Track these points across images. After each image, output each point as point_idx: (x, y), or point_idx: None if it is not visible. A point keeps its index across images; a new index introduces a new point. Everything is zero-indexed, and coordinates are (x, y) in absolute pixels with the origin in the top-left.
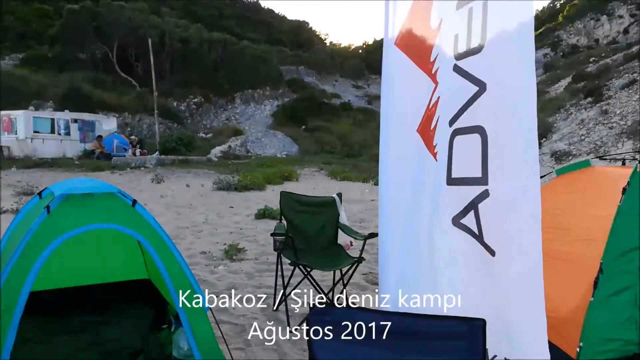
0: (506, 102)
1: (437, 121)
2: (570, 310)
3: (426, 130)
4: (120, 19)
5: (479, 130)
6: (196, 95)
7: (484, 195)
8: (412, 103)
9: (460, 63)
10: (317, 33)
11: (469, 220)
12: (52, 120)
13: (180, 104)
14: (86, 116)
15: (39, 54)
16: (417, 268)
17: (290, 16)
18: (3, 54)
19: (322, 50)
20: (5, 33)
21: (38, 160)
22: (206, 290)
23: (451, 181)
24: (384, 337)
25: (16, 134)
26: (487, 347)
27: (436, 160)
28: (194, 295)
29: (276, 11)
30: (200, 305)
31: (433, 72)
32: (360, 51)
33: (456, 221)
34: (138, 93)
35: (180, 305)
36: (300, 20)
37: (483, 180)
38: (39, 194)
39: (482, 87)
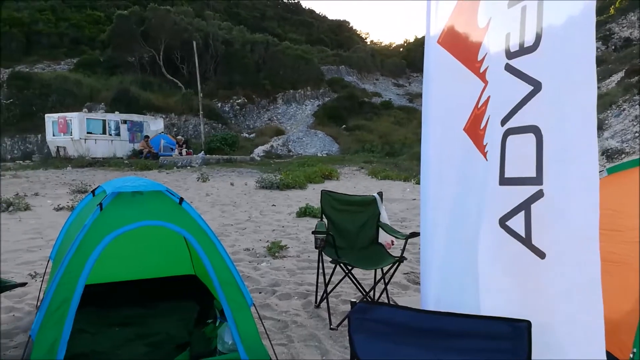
0: (563, 101)
1: (487, 120)
2: (623, 314)
3: (475, 130)
4: (166, 23)
5: (534, 129)
6: (239, 96)
7: (538, 195)
8: (457, 102)
9: (513, 62)
10: (357, 32)
11: (515, 221)
12: (104, 121)
13: (224, 105)
14: (135, 117)
15: (91, 59)
16: (461, 268)
17: (331, 16)
18: (59, 59)
19: (362, 49)
20: (61, 39)
21: (91, 159)
22: (250, 287)
23: (504, 181)
24: (425, 336)
25: (71, 134)
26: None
27: (486, 159)
28: (239, 291)
29: (317, 11)
30: (245, 301)
31: (481, 71)
32: (401, 49)
33: (502, 222)
34: (184, 94)
35: (225, 301)
36: (341, 19)
37: (537, 180)
38: (93, 192)
39: (537, 86)
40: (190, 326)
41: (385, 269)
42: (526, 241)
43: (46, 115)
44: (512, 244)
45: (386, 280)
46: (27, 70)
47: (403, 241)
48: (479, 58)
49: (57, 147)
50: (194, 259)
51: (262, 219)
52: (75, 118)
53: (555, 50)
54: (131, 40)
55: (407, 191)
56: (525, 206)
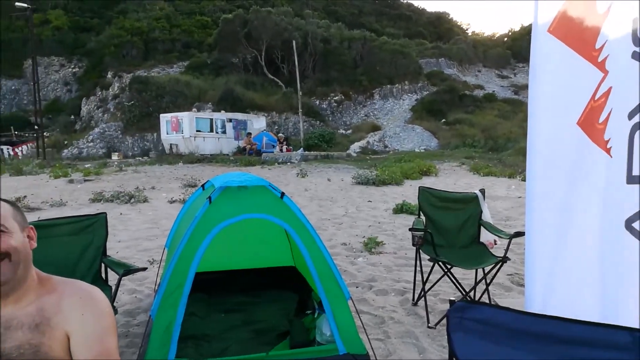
0: None
1: (609, 114)
2: None
3: (592, 123)
4: (267, 24)
5: None
6: (337, 93)
7: None
8: (570, 93)
9: None
10: (458, 23)
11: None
12: (211, 120)
13: (322, 102)
14: (239, 116)
15: (199, 61)
16: (573, 271)
17: (430, 8)
18: (172, 62)
19: (463, 41)
20: (174, 44)
21: (200, 156)
22: (347, 280)
23: (631, 179)
24: (530, 340)
25: (182, 133)
26: None
27: (610, 156)
28: (336, 284)
29: (415, 4)
30: (342, 294)
31: (600, 60)
32: (505, 39)
33: (628, 224)
34: (284, 93)
35: (324, 293)
36: (440, 11)
37: None
38: (202, 186)
39: None
40: (290, 316)
41: (487, 269)
42: None
43: (161, 115)
44: (636, 246)
45: (488, 281)
46: (145, 74)
47: (507, 241)
48: (597, 46)
49: (170, 144)
50: (293, 251)
51: (358, 215)
52: (185, 117)
53: None
54: (235, 42)
55: (512, 188)
56: None
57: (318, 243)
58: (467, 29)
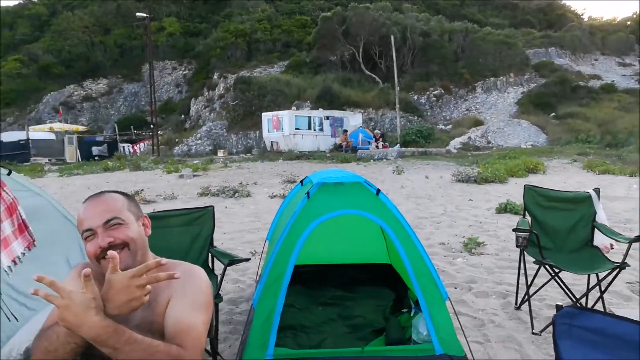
0: None
1: None
2: None
3: None
4: (365, 20)
5: None
6: (436, 87)
7: None
8: None
9: None
10: (571, 9)
11: None
12: (309, 118)
13: (420, 97)
14: (336, 113)
15: (299, 60)
16: None
17: None
18: (273, 62)
19: (577, 27)
20: (274, 44)
21: (298, 153)
22: (445, 281)
23: None
24: None
25: (282, 130)
26: None
27: None
28: (434, 284)
29: None
30: (440, 294)
31: None
32: (629, 22)
33: None
34: (381, 89)
35: (420, 292)
36: None
37: None
38: (301, 182)
39: None
40: (386, 313)
41: (602, 275)
42: None
43: (262, 113)
44: None
45: (602, 288)
46: (248, 74)
47: (625, 245)
48: None
49: (271, 142)
50: (389, 248)
51: (458, 214)
52: (285, 116)
53: None
54: (333, 40)
55: (634, 188)
56: None
57: (415, 241)
58: (582, 14)
